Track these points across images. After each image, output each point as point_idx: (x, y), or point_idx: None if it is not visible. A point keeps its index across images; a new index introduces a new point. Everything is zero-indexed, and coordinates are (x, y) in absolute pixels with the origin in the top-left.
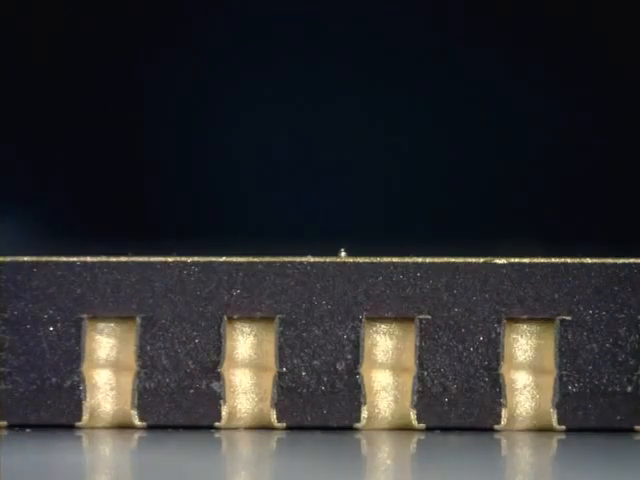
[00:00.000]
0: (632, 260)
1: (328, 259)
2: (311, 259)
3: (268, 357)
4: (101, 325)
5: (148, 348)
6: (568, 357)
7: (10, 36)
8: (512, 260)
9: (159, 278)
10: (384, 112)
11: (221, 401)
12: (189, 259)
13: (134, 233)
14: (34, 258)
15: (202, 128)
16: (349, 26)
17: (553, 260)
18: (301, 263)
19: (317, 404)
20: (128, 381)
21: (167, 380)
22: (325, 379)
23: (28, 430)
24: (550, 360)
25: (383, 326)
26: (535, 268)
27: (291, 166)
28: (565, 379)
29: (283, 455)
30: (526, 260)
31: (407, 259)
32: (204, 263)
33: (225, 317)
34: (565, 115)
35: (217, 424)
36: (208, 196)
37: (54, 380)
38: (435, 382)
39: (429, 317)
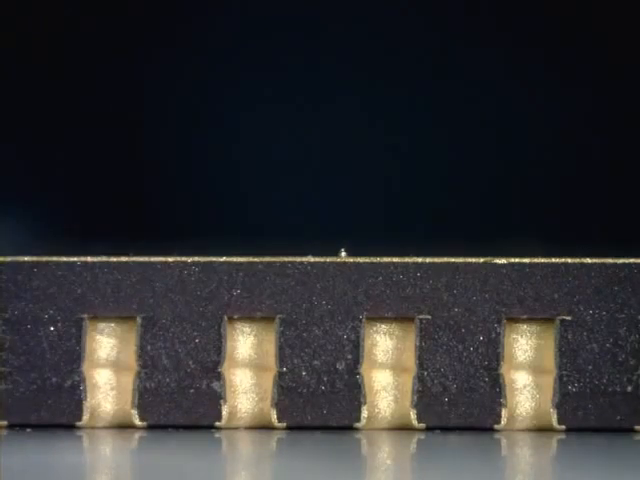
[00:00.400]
0: (632, 260)
1: (328, 259)
2: (311, 259)
3: (268, 357)
4: (101, 325)
5: (148, 348)
6: (568, 357)
7: (10, 36)
8: (512, 260)
9: (159, 278)
10: (384, 112)
11: (221, 401)
12: (189, 259)
13: (134, 233)
14: (34, 258)
15: (202, 128)
16: (349, 26)
17: (553, 260)
18: (301, 263)
19: (317, 404)
20: (128, 381)
21: (167, 380)
22: (325, 379)
23: (28, 430)
24: (550, 360)
25: (383, 326)
26: (535, 268)
27: (291, 166)
28: (565, 379)
29: (283, 455)
30: (526, 260)
31: (407, 259)
32: (204, 263)
33: (225, 317)
34: (565, 115)
35: (217, 424)
36: (208, 196)
37: (54, 380)
38: (435, 382)
39: (429, 317)
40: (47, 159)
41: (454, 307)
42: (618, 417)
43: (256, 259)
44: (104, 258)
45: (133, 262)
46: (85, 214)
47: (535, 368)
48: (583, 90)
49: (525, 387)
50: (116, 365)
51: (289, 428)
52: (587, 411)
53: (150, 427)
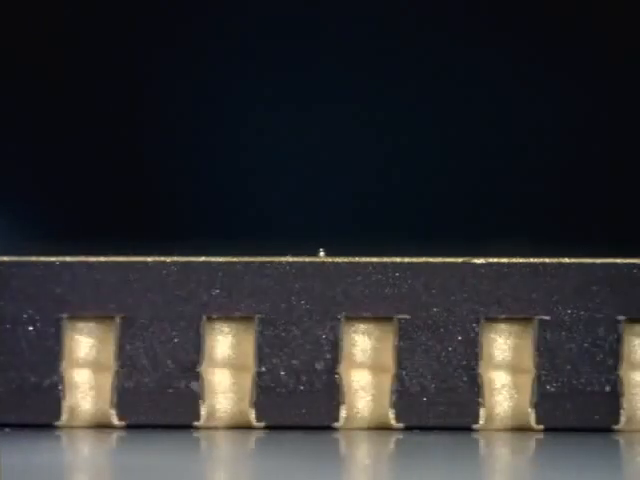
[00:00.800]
0: (610, 260)
1: (307, 259)
2: (290, 259)
3: (247, 357)
4: (80, 325)
5: (127, 348)
6: (546, 357)
7: (10, 36)
8: (490, 260)
9: (138, 278)
10: (368, 114)
11: (200, 400)
12: (168, 259)
13: (128, 233)
14: (13, 258)
15: (191, 129)
16: (349, 26)
17: (531, 260)
18: (280, 263)
19: (296, 404)
20: (107, 380)
21: (146, 380)
22: (304, 379)
23: (7, 429)
24: (528, 360)
25: (362, 326)
26: (513, 268)
27: (270, 167)
28: (543, 379)
29: (262, 455)
30: (504, 260)
31: (385, 259)
32: (183, 263)
33: (204, 317)
34: (556, 115)
35: (196, 423)
36: (189, 197)
37: (33, 379)
38: (414, 382)
39: (408, 317)
40: (46, 159)
41: (433, 307)
42: (596, 417)
43: (235, 259)
44: (83, 258)
45: (112, 262)
46: (74, 213)
47: (513, 368)
48: (583, 90)
49: (503, 387)
50: (95, 365)
51: (268, 428)
52: (565, 411)
53: (129, 427)
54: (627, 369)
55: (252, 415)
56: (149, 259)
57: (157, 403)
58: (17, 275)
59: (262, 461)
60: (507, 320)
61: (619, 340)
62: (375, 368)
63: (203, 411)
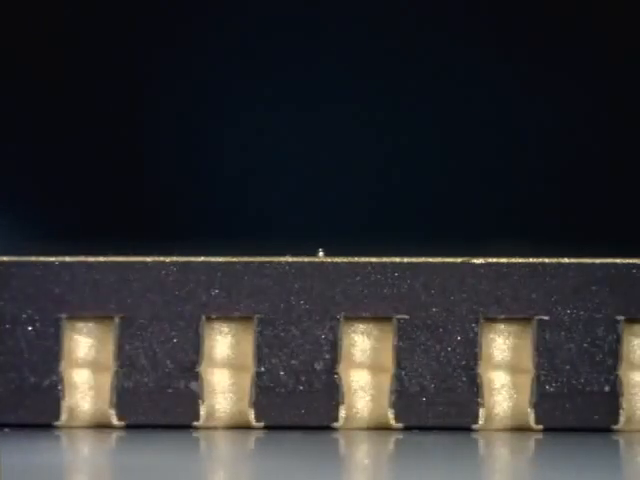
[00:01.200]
0: (609, 260)
1: (306, 259)
2: (289, 259)
3: (246, 357)
4: (80, 325)
5: (127, 348)
6: (546, 357)
7: (10, 36)
8: (490, 260)
9: (138, 278)
10: (367, 114)
11: (199, 401)
12: (167, 259)
13: (127, 233)
14: (13, 258)
15: (191, 129)
16: (349, 26)
17: (531, 260)
18: (279, 263)
19: (295, 404)
20: (107, 380)
21: (145, 380)
22: (303, 379)
23: (7, 430)
24: (528, 360)
25: (361, 326)
26: (513, 268)
27: (269, 168)
28: (543, 379)
29: (261, 454)
30: (504, 260)
31: (385, 259)
32: (182, 263)
33: (203, 317)
34: (553, 115)
35: (195, 423)
36: (190, 197)
37: (33, 380)
38: (413, 382)
39: (407, 317)
40: (45, 159)
41: (432, 307)
42: (596, 417)
43: (234, 259)
44: (82, 258)
45: (111, 262)
46: (70, 214)
47: (513, 368)
48: (582, 90)
49: (503, 387)
50: (94, 365)
51: (267, 428)
52: (565, 411)
53: (128, 427)
54: (626, 369)
55: (251, 415)
56: (148, 259)
57: (156, 403)
58: (17, 275)
59: (261, 461)
60: (506, 320)
61: (618, 340)
62: (374, 368)
63: (202, 411)
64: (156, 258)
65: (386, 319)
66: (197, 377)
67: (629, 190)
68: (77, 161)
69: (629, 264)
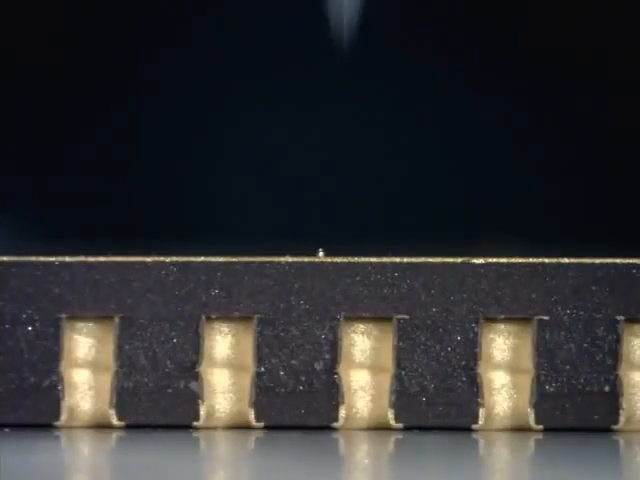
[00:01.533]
0: (609, 260)
1: (306, 259)
2: (289, 259)
3: (246, 357)
4: (80, 325)
5: (126, 348)
6: (546, 357)
7: (10, 36)
8: (490, 260)
9: (138, 278)
10: (371, 113)
11: (199, 400)
12: (167, 259)
13: (128, 233)
14: (13, 258)
15: (192, 129)
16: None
17: (530, 260)
18: (279, 263)
19: (295, 404)
20: (106, 380)
21: (145, 380)
22: (303, 379)
23: (7, 430)
24: (528, 360)
25: (361, 326)
26: (513, 268)
27: (269, 167)
28: (543, 379)
29: (261, 454)
30: (504, 260)
31: (385, 259)
32: (182, 263)
33: (203, 317)
34: (552, 115)
35: (195, 423)
36: (190, 197)
37: (32, 380)
38: (413, 382)
39: (407, 317)
40: (44, 159)
41: (432, 307)
42: (596, 417)
43: (234, 259)
44: (82, 258)
45: (111, 262)
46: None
47: (513, 368)
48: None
49: (503, 387)
50: (94, 365)
51: (267, 428)
52: (564, 411)
53: (128, 427)
54: (626, 369)
55: (251, 415)
56: (148, 259)
57: (156, 403)
58: (17, 275)
59: (261, 461)
60: (506, 320)
61: (618, 340)
62: (374, 368)
63: (202, 411)
64: (156, 258)
65: (386, 319)
66: (197, 377)
67: (629, 190)
68: (77, 161)
69: (629, 264)
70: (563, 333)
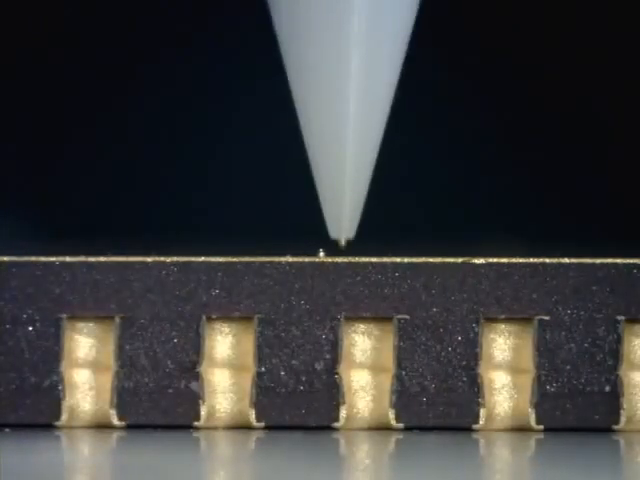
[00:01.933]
0: (610, 260)
1: (307, 259)
2: (290, 259)
3: (247, 357)
4: (80, 325)
5: (127, 348)
6: (546, 357)
7: (10, 36)
8: (490, 260)
9: (138, 278)
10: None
11: (200, 401)
12: (168, 259)
13: (128, 233)
14: (13, 258)
15: (192, 129)
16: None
17: (531, 260)
18: (280, 263)
19: (296, 404)
20: (107, 381)
21: (146, 380)
22: (304, 379)
23: (7, 430)
24: (528, 360)
25: (361, 326)
26: (513, 268)
27: (270, 165)
28: (543, 379)
29: (262, 455)
30: (504, 260)
31: (385, 259)
32: (183, 263)
33: (204, 317)
34: (551, 114)
35: (196, 424)
36: (189, 196)
37: (33, 380)
38: (413, 382)
39: (407, 317)
40: (43, 159)
41: (432, 307)
42: (596, 417)
43: (235, 259)
44: (82, 258)
45: (112, 262)
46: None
47: (513, 368)
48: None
49: (503, 387)
50: (95, 365)
51: (268, 428)
52: (565, 411)
53: (129, 427)
54: (627, 369)
55: (252, 415)
56: (149, 259)
57: (157, 403)
58: (17, 275)
59: (262, 461)
60: (507, 320)
61: (619, 340)
62: (375, 368)
63: (203, 411)
64: (157, 258)
65: (386, 319)
66: (197, 377)
67: (629, 190)
68: (77, 161)
69: (630, 264)
70: (564, 333)
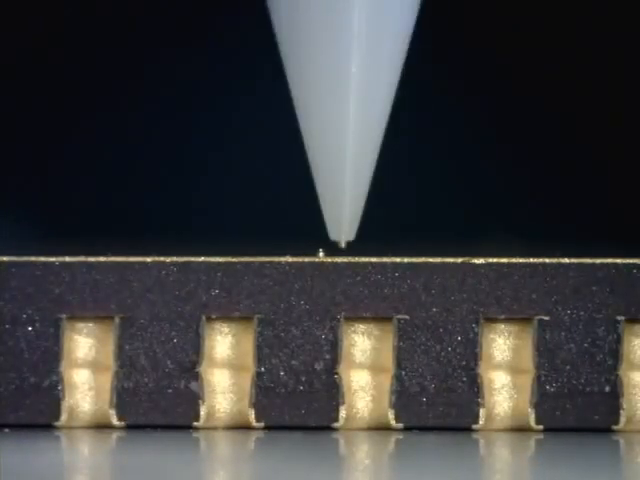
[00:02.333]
0: (610, 260)
1: (306, 259)
2: (289, 259)
3: (246, 357)
4: (80, 325)
5: (127, 348)
6: (546, 357)
7: (10, 36)
8: (490, 260)
9: (138, 278)
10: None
11: (200, 401)
12: (168, 259)
13: (128, 233)
14: (13, 258)
15: (192, 129)
16: None
17: (531, 260)
18: (279, 263)
19: (295, 404)
20: (107, 381)
21: (145, 380)
22: (303, 379)
23: (7, 430)
24: (528, 360)
25: (361, 326)
26: (513, 268)
27: (269, 166)
28: (543, 379)
29: (261, 455)
30: (504, 260)
31: (385, 259)
32: (182, 263)
33: (204, 317)
34: (550, 114)
35: (195, 424)
36: (188, 196)
37: (32, 380)
38: (413, 382)
39: (407, 317)
40: (41, 159)
41: (432, 307)
42: (596, 417)
43: (234, 259)
44: (82, 258)
45: (111, 262)
46: (67, 213)
47: (513, 368)
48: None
49: (503, 387)
50: (94, 365)
51: (267, 428)
52: (565, 411)
53: (128, 427)
54: (627, 369)
55: (252, 415)
56: (148, 259)
57: (156, 403)
58: (17, 275)
59: (262, 461)
60: (507, 320)
61: (619, 340)
62: (375, 368)
63: (202, 411)
64: (156, 258)
65: (386, 319)
66: (197, 377)
67: (629, 190)
68: (77, 161)
69: (629, 264)
70: (563, 333)
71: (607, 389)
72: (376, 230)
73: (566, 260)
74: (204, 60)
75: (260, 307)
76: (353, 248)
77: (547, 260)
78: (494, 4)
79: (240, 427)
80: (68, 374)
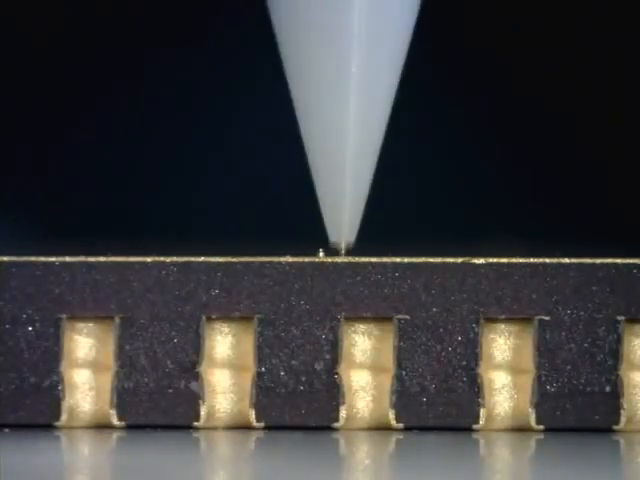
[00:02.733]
0: (610, 260)
1: (306, 259)
2: (289, 259)
3: (247, 357)
4: (80, 325)
5: (127, 348)
6: (546, 357)
7: (10, 36)
8: (490, 260)
9: (138, 278)
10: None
11: (200, 401)
12: (168, 259)
13: (128, 233)
14: (13, 258)
15: (191, 129)
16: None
17: (531, 260)
18: (279, 263)
19: (296, 404)
20: (107, 381)
21: (146, 380)
22: (304, 379)
23: (7, 430)
24: (528, 360)
25: (361, 326)
26: (513, 268)
27: (270, 167)
28: (543, 379)
29: (262, 455)
30: (504, 260)
31: (385, 259)
32: (183, 263)
33: (204, 317)
34: (550, 114)
35: (196, 424)
36: (188, 196)
37: (33, 380)
38: (413, 382)
39: (407, 317)
40: (41, 159)
41: (432, 307)
42: (596, 417)
43: (234, 259)
44: (82, 258)
45: (111, 262)
46: (68, 213)
47: (513, 368)
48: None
49: (503, 387)
50: (94, 365)
51: (268, 428)
52: (565, 411)
53: (128, 427)
54: (627, 369)
55: (252, 415)
56: (148, 259)
57: (157, 403)
58: (17, 275)
59: (262, 461)
60: (507, 320)
61: (619, 340)
62: (375, 368)
63: (203, 411)
64: (156, 258)
65: (386, 319)
66: (197, 377)
67: (629, 190)
68: (77, 161)
69: (630, 264)
70: (564, 333)
71: (607, 389)
72: (376, 230)
73: (566, 260)
74: (204, 60)
75: (260, 307)
76: (353, 248)
77: (547, 260)
78: (494, 4)
79: (240, 427)
80: (68, 374)
